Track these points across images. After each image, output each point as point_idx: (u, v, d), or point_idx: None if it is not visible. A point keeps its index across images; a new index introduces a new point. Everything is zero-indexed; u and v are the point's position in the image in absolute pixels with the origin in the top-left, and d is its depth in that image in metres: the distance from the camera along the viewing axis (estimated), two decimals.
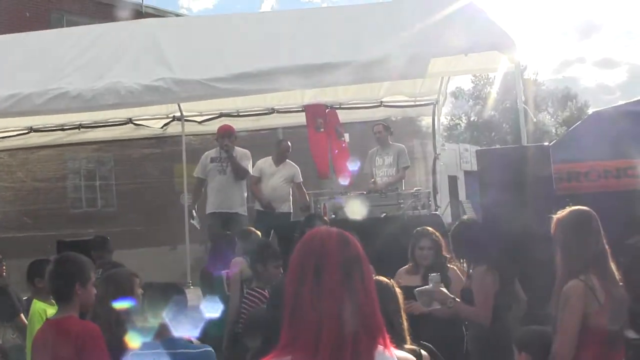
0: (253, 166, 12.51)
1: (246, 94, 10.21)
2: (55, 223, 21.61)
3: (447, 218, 35.00)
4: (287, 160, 13.14)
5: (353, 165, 12.55)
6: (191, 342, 5.47)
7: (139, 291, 5.82)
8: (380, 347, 2.76)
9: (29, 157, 21.04)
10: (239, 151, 12.18)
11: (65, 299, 5.46)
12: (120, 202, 26.26)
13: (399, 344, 4.14)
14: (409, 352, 4.25)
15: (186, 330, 5.00)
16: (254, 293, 7.70)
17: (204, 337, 6.29)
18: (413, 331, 4.65)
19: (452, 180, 41.65)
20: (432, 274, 7.05)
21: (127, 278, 6.14)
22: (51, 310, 7.11)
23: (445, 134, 61.07)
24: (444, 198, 21.94)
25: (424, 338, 5.15)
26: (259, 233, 9.50)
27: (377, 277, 4.40)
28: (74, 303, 5.43)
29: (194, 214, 12.59)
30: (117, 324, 5.75)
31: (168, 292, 5.46)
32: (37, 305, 7.53)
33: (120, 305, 5.62)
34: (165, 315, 5.27)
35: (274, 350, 2.80)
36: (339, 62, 8.83)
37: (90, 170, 27.22)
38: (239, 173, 12.00)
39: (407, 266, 7.93)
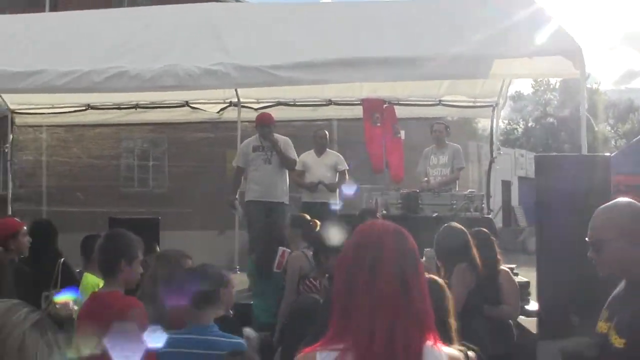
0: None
1: (304, 83, 10.10)
2: (107, 200, 21.78)
3: (499, 222, 34.85)
4: (328, 149, 13.21)
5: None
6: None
7: None
8: (429, 343, 2.76)
9: (85, 133, 21.19)
10: (281, 139, 12.11)
11: (111, 274, 5.54)
12: (171, 184, 26.35)
13: (447, 344, 4.14)
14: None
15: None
16: (308, 284, 7.67)
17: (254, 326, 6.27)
18: None
19: (506, 185, 41.32)
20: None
21: (178, 259, 6.14)
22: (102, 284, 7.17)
23: (502, 138, 60.60)
24: (496, 202, 21.77)
25: None
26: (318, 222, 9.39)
27: (430, 275, 4.39)
28: (119, 279, 5.45)
29: (237, 204, 12.48)
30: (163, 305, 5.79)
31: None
32: (89, 279, 7.63)
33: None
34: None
35: (322, 338, 2.82)
36: (400, 57, 8.75)
37: (144, 151, 27.43)
38: (288, 163, 12.00)
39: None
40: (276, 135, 12.05)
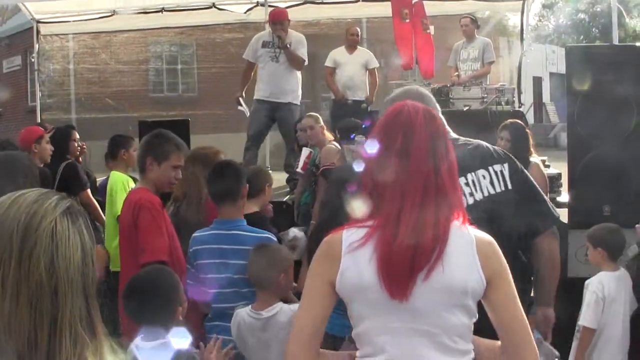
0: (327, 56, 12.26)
1: None
2: (137, 105, 21.83)
3: (530, 119, 34.59)
4: (359, 46, 13.11)
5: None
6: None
7: None
8: (456, 222, 2.80)
9: (112, 39, 21.12)
10: (294, 36, 11.55)
11: (141, 171, 5.57)
12: (201, 87, 26.28)
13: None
14: None
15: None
16: None
17: None
18: None
19: (537, 81, 40.87)
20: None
21: (212, 156, 6.16)
22: (132, 183, 7.26)
23: (533, 34, 59.68)
24: (527, 98, 21.58)
25: None
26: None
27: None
28: (147, 177, 5.49)
29: (242, 101, 11.92)
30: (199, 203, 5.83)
31: None
32: (117, 176, 7.74)
33: None
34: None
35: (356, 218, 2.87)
36: None
37: (172, 54, 27.26)
38: (295, 64, 11.43)
39: None
40: (290, 32, 11.49)
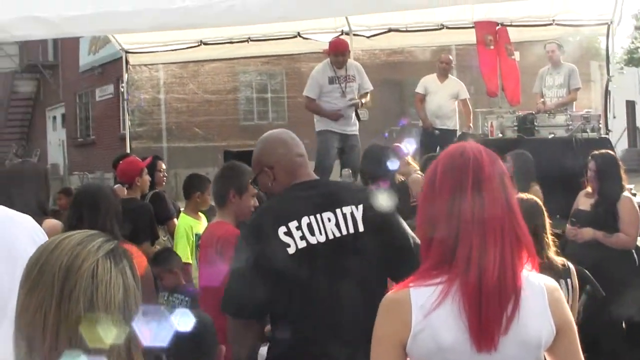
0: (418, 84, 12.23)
1: (414, 7, 9.96)
2: (226, 135, 22.08)
3: (623, 144, 33.97)
4: (451, 75, 13.11)
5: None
6: None
7: None
8: (525, 271, 2.67)
9: (200, 69, 21.45)
10: (354, 66, 11.19)
11: (221, 205, 5.65)
12: (291, 115, 26.52)
13: (542, 254, 4.23)
14: (556, 263, 4.58)
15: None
16: None
17: None
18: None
19: (630, 105, 40.11)
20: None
21: None
22: (197, 227, 7.37)
23: (626, 57, 58.67)
24: (620, 123, 21.19)
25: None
26: None
27: (521, 194, 4.40)
28: (228, 210, 5.54)
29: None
30: None
31: None
32: (183, 220, 7.83)
33: None
34: None
35: (420, 270, 2.71)
36: None
37: (261, 83, 27.54)
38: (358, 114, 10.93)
39: (587, 189, 7.78)
40: (350, 63, 11.13)
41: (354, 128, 11.03)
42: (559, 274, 4.86)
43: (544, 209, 4.72)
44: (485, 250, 2.59)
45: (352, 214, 3.78)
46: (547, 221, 4.75)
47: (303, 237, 3.69)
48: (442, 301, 2.58)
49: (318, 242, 3.71)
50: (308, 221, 3.72)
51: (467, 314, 2.56)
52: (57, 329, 1.84)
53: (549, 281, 2.77)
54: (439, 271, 2.63)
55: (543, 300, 2.67)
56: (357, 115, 10.89)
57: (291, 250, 3.67)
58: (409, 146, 10.14)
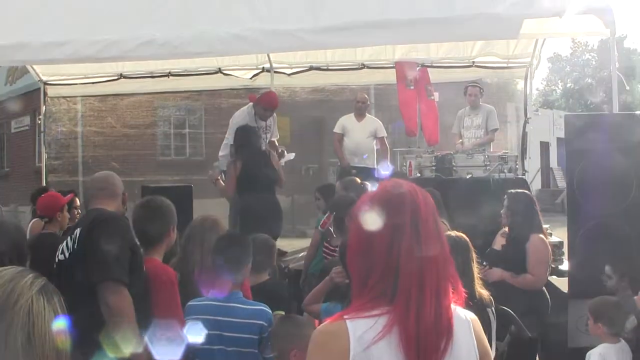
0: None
1: (335, 46, 10.03)
2: (143, 169, 21.92)
3: (537, 184, 34.66)
4: (368, 114, 13.29)
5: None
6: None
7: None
8: (453, 305, 2.71)
9: (119, 103, 21.32)
10: (272, 119, 11.65)
11: (158, 241, 5.52)
12: (208, 151, 26.44)
13: (469, 289, 4.25)
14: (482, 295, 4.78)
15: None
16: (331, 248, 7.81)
17: None
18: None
19: (544, 146, 41.11)
20: None
21: (221, 227, 6.13)
22: None
23: (541, 99, 60.07)
24: (534, 164, 21.60)
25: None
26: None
27: (447, 231, 4.45)
28: (164, 245, 5.53)
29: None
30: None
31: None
32: None
33: None
34: None
35: (354, 304, 2.68)
36: (429, 19, 8.61)
37: (180, 118, 27.47)
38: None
39: (504, 228, 7.95)
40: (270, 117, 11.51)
41: None
42: (486, 304, 4.96)
43: (470, 244, 4.80)
44: (423, 287, 2.60)
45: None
46: (474, 256, 4.82)
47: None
48: (384, 334, 2.56)
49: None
50: None
51: (405, 349, 2.56)
52: None
53: (470, 314, 2.82)
54: (374, 304, 2.62)
55: (470, 332, 2.74)
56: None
57: None
58: None
